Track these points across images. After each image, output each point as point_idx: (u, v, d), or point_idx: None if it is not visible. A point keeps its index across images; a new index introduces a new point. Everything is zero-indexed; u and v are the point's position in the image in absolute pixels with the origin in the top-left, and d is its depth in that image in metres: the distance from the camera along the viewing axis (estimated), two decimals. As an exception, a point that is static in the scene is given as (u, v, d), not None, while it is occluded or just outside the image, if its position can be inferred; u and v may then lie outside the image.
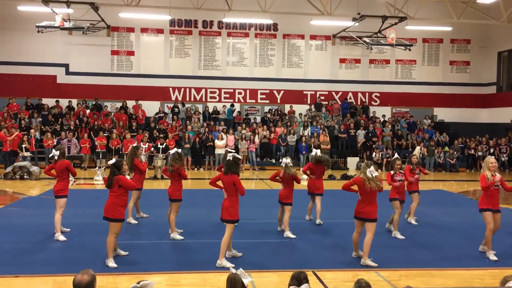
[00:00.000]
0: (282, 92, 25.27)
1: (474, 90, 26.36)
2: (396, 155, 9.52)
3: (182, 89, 24.70)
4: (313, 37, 25.35)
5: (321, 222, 9.82)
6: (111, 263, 6.83)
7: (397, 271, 6.97)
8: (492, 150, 22.59)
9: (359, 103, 25.69)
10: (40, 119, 21.75)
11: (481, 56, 26.15)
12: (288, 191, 8.90)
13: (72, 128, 20.77)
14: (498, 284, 4.27)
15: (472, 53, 26.35)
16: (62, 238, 8.21)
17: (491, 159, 7.87)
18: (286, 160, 8.87)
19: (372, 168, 7.09)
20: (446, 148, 22.69)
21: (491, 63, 25.95)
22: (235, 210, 7.01)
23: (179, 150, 8.90)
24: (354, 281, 4.07)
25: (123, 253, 7.40)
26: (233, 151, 8.11)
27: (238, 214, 7.06)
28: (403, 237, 8.80)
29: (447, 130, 24.52)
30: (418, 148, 9.95)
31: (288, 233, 8.75)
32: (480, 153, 22.54)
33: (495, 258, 7.58)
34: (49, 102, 23.01)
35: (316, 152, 10.01)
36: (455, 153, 22.18)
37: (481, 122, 25.79)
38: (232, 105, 24.22)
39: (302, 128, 22.61)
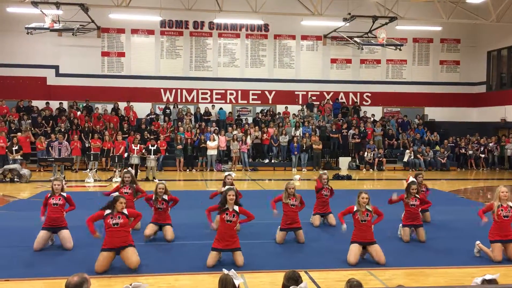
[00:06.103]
0: (273, 92, 25.29)
1: (464, 90, 26.55)
2: (412, 179, 8.93)
3: (174, 90, 24.63)
4: (304, 37, 25.40)
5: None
6: None
7: (389, 270, 6.99)
8: (482, 149, 22.80)
9: (350, 103, 25.77)
10: (30, 121, 21.57)
11: (471, 55, 26.34)
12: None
13: (62, 130, 20.63)
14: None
15: (462, 52, 26.53)
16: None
17: (502, 188, 7.43)
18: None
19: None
20: (437, 147, 22.84)
21: (481, 63, 26.13)
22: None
23: None
24: (346, 281, 4.08)
25: None
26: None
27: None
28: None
29: (438, 129, 24.67)
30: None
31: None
32: (470, 152, 22.73)
33: (477, 254, 7.66)
34: (39, 104, 22.83)
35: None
36: (446, 152, 22.31)
37: (471, 121, 25.99)
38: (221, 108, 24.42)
39: (294, 128, 22.63)
